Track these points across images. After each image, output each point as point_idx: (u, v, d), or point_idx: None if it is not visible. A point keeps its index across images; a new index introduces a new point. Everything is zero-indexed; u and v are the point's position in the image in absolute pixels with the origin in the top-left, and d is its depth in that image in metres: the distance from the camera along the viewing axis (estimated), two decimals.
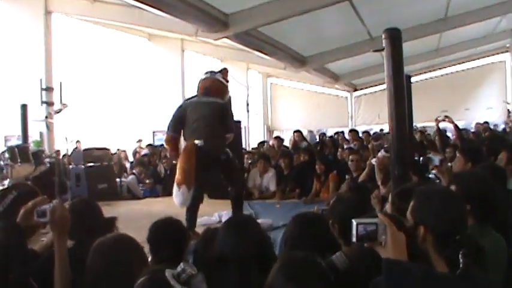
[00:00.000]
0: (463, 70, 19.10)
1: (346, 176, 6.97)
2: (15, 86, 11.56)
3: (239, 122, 8.80)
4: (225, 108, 5.56)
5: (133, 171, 9.72)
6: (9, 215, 2.30)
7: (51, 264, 2.14)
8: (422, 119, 13.45)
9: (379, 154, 5.93)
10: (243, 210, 5.77)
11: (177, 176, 5.23)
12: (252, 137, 18.26)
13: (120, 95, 15.70)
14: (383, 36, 4.62)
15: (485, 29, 14.02)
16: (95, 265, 2.11)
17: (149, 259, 2.51)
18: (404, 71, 4.71)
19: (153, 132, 14.89)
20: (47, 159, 9.11)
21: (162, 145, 10.25)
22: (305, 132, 14.67)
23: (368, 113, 19.79)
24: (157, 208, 6.94)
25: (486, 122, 13.40)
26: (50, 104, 11.29)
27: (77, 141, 12.17)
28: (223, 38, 9.12)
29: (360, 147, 8.69)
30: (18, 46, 11.82)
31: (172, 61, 15.62)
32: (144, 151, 11.98)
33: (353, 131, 12.04)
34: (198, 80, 5.77)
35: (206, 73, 5.76)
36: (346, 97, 20.64)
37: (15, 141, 10.58)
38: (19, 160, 8.21)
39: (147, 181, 9.24)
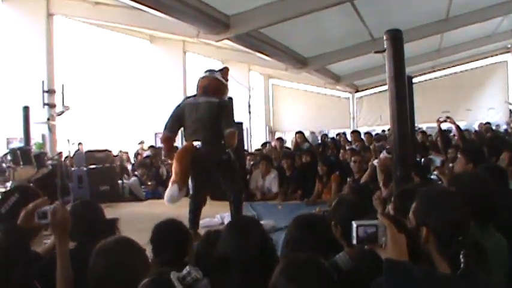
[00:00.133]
0: (464, 70, 19.14)
1: (348, 179, 6.95)
2: (17, 88, 11.57)
3: (241, 123, 8.81)
4: (223, 105, 5.44)
5: (136, 173, 9.73)
6: (11, 217, 2.30)
7: (54, 266, 2.15)
8: (424, 120, 13.44)
9: (381, 155, 5.93)
10: (242, 213, 5.71)
11: (172, 174, 5.31)
12: (254, 139, 18.27)
13: (122, 97, 15.70)
14: (384, 37, 4.62)
15: (487, 29, 14.02)
16: (97, 267, 2.11)
17: (151, 260, 2.51)
18: (405, 72, 4.71)
19: (155, 134, 14.86)
20: (49, 162, 9.13)
21: None
22: (307, 134, 14.65)
23: (370, 114, 19.81)
24: (159, 210, 6.92)
25: (488, 123, 13.39)
26: (52, 106, 11.31)
27: (79, 143, 12.15)
28: (224, 39, 9.13)
29: (361, 148, 8.68)
30: (20, 48, 11.84)
31: (174, 63, 15.66)
32: (146, 153, 11.99)
33: (355, 132, 12.04)
34: (198, 79, 5.73)
35: (205, 72, 5.73)
36: (348, 98, 20.68)
37: (17, 144, 10.59)
38: (21, 162, 8.23)
39: (149, 183, 9.26)
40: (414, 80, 9.35)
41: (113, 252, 2.14)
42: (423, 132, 10.94)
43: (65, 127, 11.35)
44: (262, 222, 4.63)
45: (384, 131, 14.51)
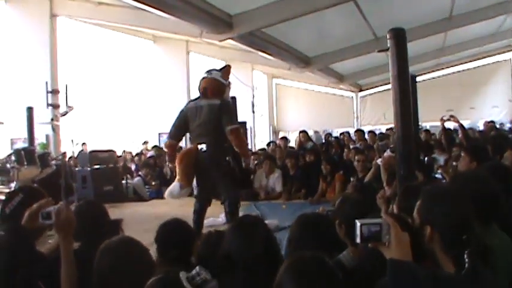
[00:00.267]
0: (468, 69, 19.05)
1: (352, 178, 6.95)
2: (21, 88, 11.62)
3: (245, 123, 8.80)
4: (224, 106, 5.40)
5: (140, 173, 9.75)
6: (15, 218, 2.31)
7: (58, 266, 2.15)
8: (428, 119, 13.42)
9: (385, 154, 5.92)
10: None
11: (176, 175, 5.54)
12: (258, 138, 18.27)
13: (126, 97, 15.75)
14: (388, 36, 4.62)
15: (491, 27, 13.96)
16: (101, 266, 2.12)
17: (156, 260, 2.51)
18: (409, 70, 4.71)
19: (159, 134, 14.90)
20: (53, 162, 9.17)
21: None
22: (311, 133, 14.64)
23: (373, 113, 19.76)
24: (163, 210, 6.96)
25: (492, 121, 13.35)
26: (55, 106, 11.34)
27: (83, 144, 12.21)
28: (227, 39, 9.12)
29: (365, 147, 8.67)
30: (23, 49, 11.89)
31: (177, 63, 15.67)
32: (150, 153, 12.01)
33: (359, 131, 12.03)
34: (199, 80, 5.72)
35: (205, 73, 5.69)
36: (352, 97, 20.64)
37: (22, 144, 10.64)
38: (25, 163, 8.27)
39: (153, 183, 9.26)
40: (418, 79, 9.37)
41: (117, 252, 2.14)
42: (427, 131, 10.93)
43: (68, 127, 11.40)
44: (266, 221, 4.64)
45: (387, 129, 14.48)
